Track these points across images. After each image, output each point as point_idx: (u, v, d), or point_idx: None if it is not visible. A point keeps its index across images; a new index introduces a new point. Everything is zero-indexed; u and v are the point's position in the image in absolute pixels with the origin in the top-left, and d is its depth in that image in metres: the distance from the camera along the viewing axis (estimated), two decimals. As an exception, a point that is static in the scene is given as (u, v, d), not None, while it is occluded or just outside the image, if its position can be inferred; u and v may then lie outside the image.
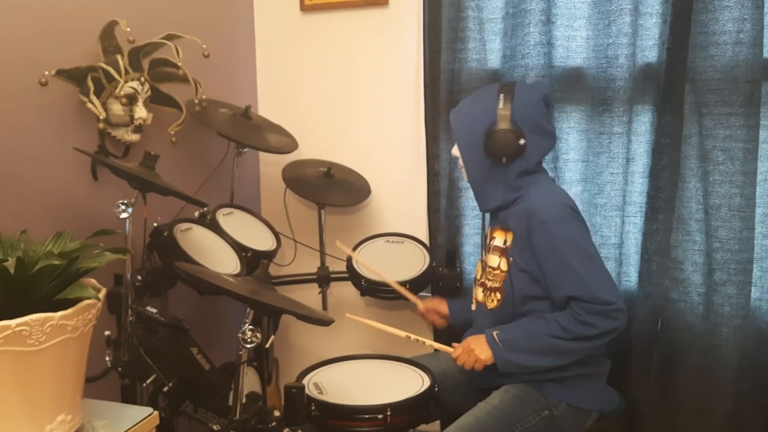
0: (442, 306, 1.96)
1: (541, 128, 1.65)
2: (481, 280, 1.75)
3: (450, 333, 2.03)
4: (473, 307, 1.81)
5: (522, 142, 1.60)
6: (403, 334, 1.71)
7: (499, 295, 1.65)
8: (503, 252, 1.67)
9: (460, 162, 1.72)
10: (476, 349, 1.61)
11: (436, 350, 2.06)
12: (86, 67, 1.66)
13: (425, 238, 2.21)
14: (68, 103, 1.66)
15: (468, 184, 2.08)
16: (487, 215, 1.81)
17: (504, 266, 1.66)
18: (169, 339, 1.54)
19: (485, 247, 1.77)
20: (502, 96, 1.62)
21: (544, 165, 1.94)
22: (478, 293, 1.76)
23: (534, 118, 1.64)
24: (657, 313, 1.88)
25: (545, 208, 1.58)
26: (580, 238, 1.58)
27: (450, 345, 1.69)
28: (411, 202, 2.26)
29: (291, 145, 2.18)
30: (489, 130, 1.61)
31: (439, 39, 2.05)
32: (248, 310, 1.46)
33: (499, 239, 1.68)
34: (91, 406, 1.29)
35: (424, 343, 1.72)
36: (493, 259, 1.69)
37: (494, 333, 1.60)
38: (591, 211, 1.96)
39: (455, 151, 1.73)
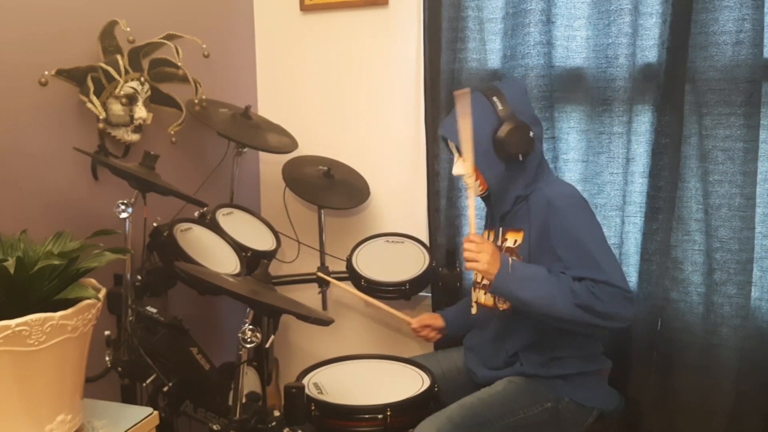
0: (436, 321, 1.95)
1: (535, 118, 1.69)
2: (483, 283, 1.74)
3: (449, 338, 2.03)
4: (474, 310, 1.80)
5: (531, 134, 1.62)
6: (379, 304, 1.70)
7: None
8: (512, 252, 1.66)
9: (466, 179, 1.67)
10: (486, 254, 1.56)
11: (436, 350, 2.07)
12: (86, 67, 1.66)
13: (425, 238, 2.21)
14: (68, 103, 1.66)
15: (468, 185, 2.09)
16: (482, 215, 1.81)
17: None
18: (169, 339, 1.54)
19: None
20: (495, 98, 1.62)
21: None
22: (480, 296, 1.76)
23: (528, 109, 1.67)
24: (657, 312, 1.88)
25: (561, 197, 1.60)
26: (594, 225, 1.61)
27: (448, 345, 1.69)
28: (411, 202, 2.26)
29: (291, 145, 2.18)
30: (497, 133, 1.60)
31: (439, 39, 2.05)
32: (248, 310, 1.46)
33: (510, 240, 1.68)
34: (91, 406, 1.29)
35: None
36: None
37: (511, 258, 1.58)
38: (591, 211, 1.96)
39: (458, 169, 1.69)
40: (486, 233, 1.81)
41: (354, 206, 2.26)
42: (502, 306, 1.67)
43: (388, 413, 1.58)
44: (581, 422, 1.66)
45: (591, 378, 1.67)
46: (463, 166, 1.66)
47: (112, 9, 1.74)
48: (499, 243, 1.73)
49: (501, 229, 1.73)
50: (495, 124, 1.61)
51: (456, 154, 1.71)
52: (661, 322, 1.88)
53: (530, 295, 1.53)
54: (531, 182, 1.65)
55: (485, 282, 1.72)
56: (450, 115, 1.71)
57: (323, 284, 2.18)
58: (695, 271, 1.82)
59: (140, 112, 1.72)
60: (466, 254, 1.58)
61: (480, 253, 1.56)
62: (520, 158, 1.62)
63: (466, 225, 2.12)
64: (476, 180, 1.67)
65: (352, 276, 2.06)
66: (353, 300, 2.29)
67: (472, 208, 1.67)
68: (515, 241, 1.66)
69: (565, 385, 1.63)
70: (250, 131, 2.07)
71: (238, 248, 1.86)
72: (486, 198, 1.75)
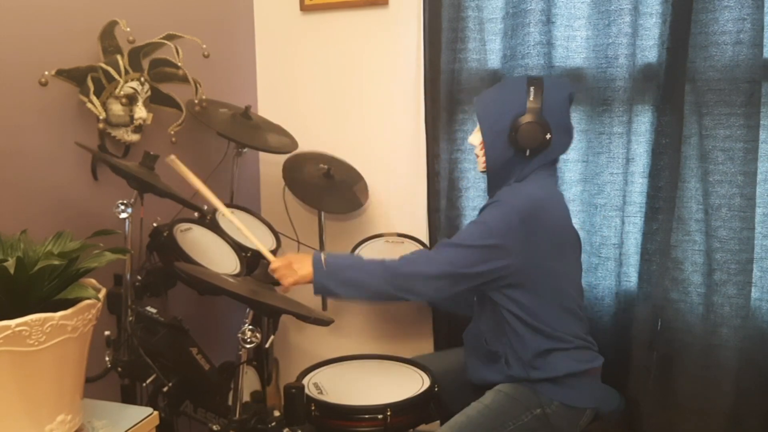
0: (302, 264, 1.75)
1: (565, 126, 1.66)
2: None
3: (449, 332, 2.03)
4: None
5: (548, 137, 1.61)
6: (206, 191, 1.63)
7: None
8: None
9: (477, 150, 1.70)
10: (295, 264, 1.61)
11: (436, 350, 2.07)
12: (86, 67, 1.66)
13: (425, 238, 2.21)
14: (68, 103, 1.66)
15: (468, 185, 2.09)
16: None
17: None
18: (169, 339, 1.54)
19: None
20: (532, 89, 1.61)
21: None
22: None
23: (561, 114, 1.65)
24: (657, 313, 1.88)
25: (513, 195, 1.61)
26: (497, 222, 1.58)
27: (448, 345, 1.68)
28: (411, 202, 2.26)
29: (291, 145, 2.18)
30: (517, 120, 1.61)
31: (439, 39, 2.05)
32: (248, 310, 1.46)
33: None
34: (91, 406, 1.29)
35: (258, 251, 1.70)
36: None
37: (323, 253, 1.62)
38: (591, 211, 1.96)
39: (473, 139, 1.72)
40: None
41: (354, 209, 2.26)
42: None
43: (388, 413, 1.58)
44: (574, 423, 1.65)
45: (579, 378, 1.65)
46: (476, 136, 1.71)
47: (112, 9, 1.74)
48: None
49: None
50: (518, 111, 1.61)
51: (477, 126, 1.71)
52: (661, 322, 1.88)
53: (344, 285, 1.58)
54: (522, 178, 1.64)
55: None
56: (491, 87, 1.78)
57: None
58: (695, 272, 1.82)
59: (140, 112, 1.72)
60: (277, 276, 1.63)
61: (288, 265, 1.61)
62: (527, 153, 1.62)
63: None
64: (484, 155, 1.69)
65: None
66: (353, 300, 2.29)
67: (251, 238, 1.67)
68: None
69: (553, 388, 1.62)
70: (250, 131, 2.07)
71: (238, 248, 1.86)
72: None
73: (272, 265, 1.63)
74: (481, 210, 1.64)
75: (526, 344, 1.62)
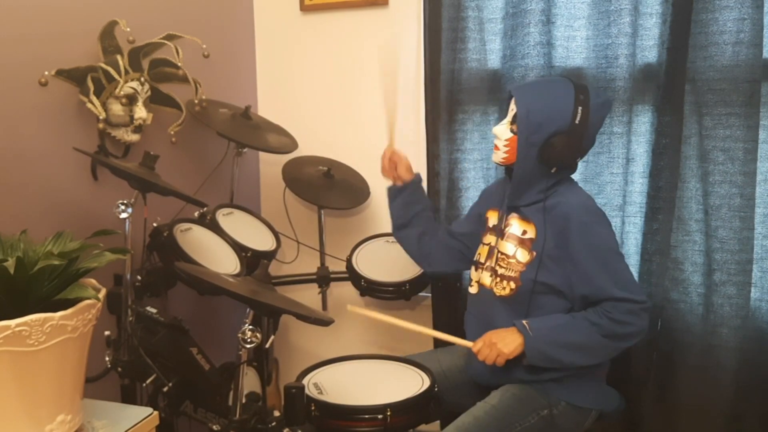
0: (405, 168, 1.88)
1: (592, 145, 1.67)
2: (489, 265, 1.71)
3: (449, 331, 2.02)
4: (473, 290, 1.76)
5: (579, 159, 1.63)
6: (405, 324, 1.67)
7: (513, 285, 1.62)
8: (523, 243, 1.64)
9: (500, 144, 1.64)
10: (499, 342, 1.57)
11: (435, 349, 2.06)
12: (86, 67, 1.66)
13: (425, 238, 2.20)
14: (68, 103, 1.66)
15: (468, 185, 2.09)
16: (492, 199, 1.80)
17: (523, 258, 1.63)
18: (169, 339, 1.54)
19: (496, 231, 1.73)
20: (580, 109, 1.55)
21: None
22: (484, 277, 1.72)
23: (595, 136, 1.64)
24: (657, 313, 1.88)
25: (585, 211, 1.60)
26: (614, 240, 1.62)
27: (448, 332, 1.67)
28: (411, 202, 2.25)
29: (291, 145, 2.18)
30: (555, 138, 1.56)
31: (439, 39, 2.05)
32: (248, 310, 1.46)
33: (517, 227, 1.66)
34: (91, 406, 1.29)
35: (438, 336, 1.70)
36: (509, 247, 1.66)
37: (524, 322, 1.58)
38: (591, 211, 1.96)
39: (501, 132, 1.65)
40: (493, 213, 1.77)
41: (354, 206, 2.26)
42: (500, 292, 1.66)
43: (388, 413, 1.58)
44: (579, 424, 1.65)
45: (586, 379, 1.66)
46: (504, 129, 1.64)
47: (112, 9, 1.74)
48: (501, 226, 1.70)
49: (506, 212, 1.70)
50: (560, 128, 1.56)
51: (509, 116, 1.65)
52: (661, 322, 1.88)
53: (561, 349, 1.55)
54: (547, 190, 1.63)
55: (494, 266, 1.68)
56: (536, 83, 1.74)
57: (323, 285, 2.18)
58: (695, 272, 1.82)
59: (140, 112, 1.72)
60: (481, 357, 1.60)
61: (491, 345, 1.58)
62: (553, 170, 1.61)
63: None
64: (507, 152, 1.64)
65: (352, 276, 2.06)
66: (353, 300, 2.29)
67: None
68: (524, 231, 1.64)
69: (560, 389, 1.62)
70: (250, 131, 2.07)
71: (238, 248, 1.86)
72: (507, 170, 1.72)
73: (474, 347, 1.62)
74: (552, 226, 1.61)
75: None
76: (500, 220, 1.72)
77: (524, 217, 1.65)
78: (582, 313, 1.57)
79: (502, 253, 1.67)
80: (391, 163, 1.89)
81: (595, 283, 1.55)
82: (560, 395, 1.62)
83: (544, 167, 1.60)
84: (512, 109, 1.64)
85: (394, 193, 1.90)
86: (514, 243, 1.65)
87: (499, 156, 1.67)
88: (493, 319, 1.67)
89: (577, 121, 1.55)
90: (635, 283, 1.59)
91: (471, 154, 2.07)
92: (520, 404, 1.61)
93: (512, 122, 1.63)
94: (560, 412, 1.62)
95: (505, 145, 1.64)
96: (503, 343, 1.57)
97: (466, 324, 1.79)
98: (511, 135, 1.62)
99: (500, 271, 1.66)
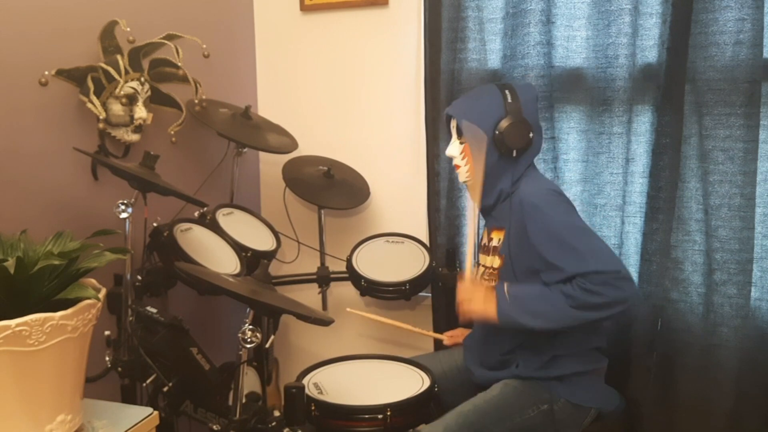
0: (466, 333, 1.94)
1: (539, 126, 1.70)
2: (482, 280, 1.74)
3: (451, 323, 2.03)
4: None
5: (531, 135, 1.64)
6: (403, 325, 1.74)
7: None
8: (495, 250, 1.69)
9: (458, 161, 1.70)
10: (485, 297, 1.59)
11: (436, 350, 2.07)
12: (86, 67, 1.66)
13: (425, 238, 2.20)
14: (68, 103, 1.66)
15: (456, 168, 2.08)
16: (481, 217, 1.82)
17: (496, 264, 1.67)
18: (169, 339, 1.54)
19: (481, 248, 1.78)
20: (507, 92, 1.64)
21: (544, 165, 1.96)
22: None
23: (535, 115, 1.68)
24: (657, 313, 1.88)
25: (535, 194, 1.61)
26: (570, 216, 1.60)
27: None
28: (411, 202, 2.26)
29: (291, 145, 2.18)
30: (500, 124, 1.62)
31: (439, 39, 2.05)
32: (248, 310, 1.46)
33: (496, 239, 1.70)
34: (91, 406, 1.29)
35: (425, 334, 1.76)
36: (489, 260, 1.71)
37: (505, 286, 1.59)
38: (591, 211, 1.96)
39: (452, 150, 1.72)
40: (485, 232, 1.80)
41: (354, 206, 2.26)
42: None
43: (388, 413, 1.58)
44: (579, 423, 1.66)
45: (587, 378, 1.66)
46: (455, 148, 1.71)
47: (112, 9, 1.74)
48: (486, 243, 1.74)
49: (486, 228, 1.76)
50: (500, 115, 1.63)
51: (454, 135, 1.72)
52: (661, 322, 1.88)
53: (532, 317, 1.55)
54: (516, 180, 1.66)
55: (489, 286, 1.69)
56: (462, 96, 1.79)
57: (323, 285, 2.18)
58: (695, 272, 1.82)
59: (140, 112, 1.72)
60: (460, 296, 1.63)
61: (473, 293, 1.61)
62: (514, 154, 1.63)
63: (466, 225, 2.12)
64: (467, 163, 1.69)
65: (352, 276, 2.06)
66: (353, 300, 2.29)
67: (471, 242, 1.71)
68: (499, 239, 1.68)
69: (561, 386, 1.63)
70: (250, 131, 2.07)
71: (238, 248, 1.86)
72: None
73: (469, 280, 1.65)
74: (509, 222, 1.64)
75: (542, 350, 1.63)
76: (487, 238, 1.75)
77: (498, 226, 1.70)
78: (557, 286, 1.54)
79: (486, 267, 1.72)
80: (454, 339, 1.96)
81: (559, 264, 1.53)
82: (560, 392, 1.62)
83: (505, 155, 1.64)
84: (453, 126, 1.73)
85: None
86: (492, 254, 1.70)
87: (463, 173, 1.72)
88: (486, 335, 1.72)
89: (509, 101, 1.63)
90: (605, 254, 1.54)
91: (471, 154, 2.08)
92: (520, 397, 1.62)
93: (459, 136, 1.70)
94: (560, 409, 1.62)
95: (462, 159, 1.70)
96: (484, 297, 1.59)
97: (465, 339, 1.85)
98: (463, 145, 1.69)
99: (486, 284, 1.70)
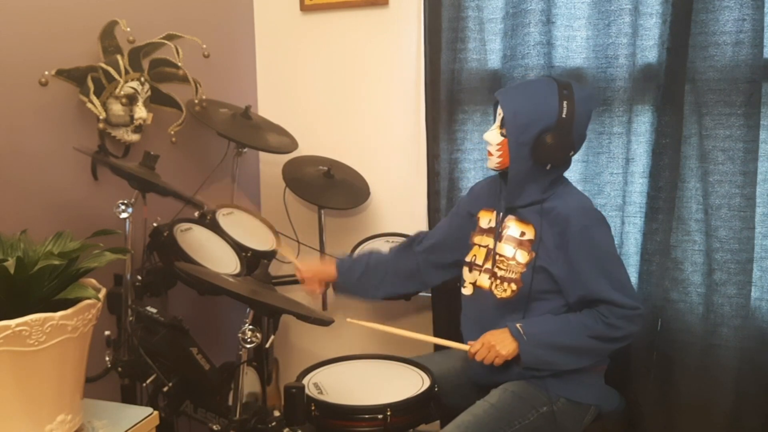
0: (327, 269, 1.84)
1: (583, 137, 1.66)
2: (487, 267, 1.71)
3: (449, 332, 2.02)
4: (467, 291, 1.76)
5: (571, 154, 1.63)
6: (408, 334, 1.68)
7: (514, 286, 1.63)
8: (522, 244, 1.64)
9: (493, 149, 1.65)
10: (497, 345, 1.59)
11: (435, 350, 2.07)
12: (86, 67, 1.66)
13: (425, 238, 2.20)
14: (68, 103, 1.66)
15: (468, 185, 2.08)
16: (484, 199, 1.80)
17: (522, 258, 1.63)
18: (169, 339, 1.54)
19: (492, 233, 1.72)
20: (565, 103, 1.56)
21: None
22: (482, 279, 1.71)
23: (584, 130, 1.64)
24: (657, 313, 1.88)
25: (584, 214, 1.61)
26: (612, 244, 1.64)
27: (448, 331, 1.68)
28: (411, 202, 2.26)
29: (291, 145, 2.18)
30: (544, 135, 1.57)
31: (439, 39, 2.05)
32: (248, 310, 1.46)
33: (515, 229, 1.66)
34: (91, 406, 1.29)
35: (436, 342, 1.73)
36: (507, 249, 1.67)
37: (518, 325, 1.59)
38: (591, 211, 1.96)
39: (491, 137, 1.65)
40: (486, 213, 1.77)
41: (354, 206, 2.26)
42: (501, 294, 1.66)
43: (388, 413, 1.58)
44: (579, 421, 1.66)
45: (586, 375, 1.66)
46: (494, 135, 1.65)
47: (112, 9, 1.74)
48: (499, 228, 1.70)
49: (503, 214, 1.70)
50: (548, 125, 1.57)
51: (498, 122, 1.66)
52: (661, 322, 1.88)
53: (554, 352, 1.58)
54: (546, 190, 1.64)
55: (492, 268, 1.68)
56: (518, 85, 1.74)
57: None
58: (695, 272, 1.82)
59: (140, 112, 1.72)
60: (479, 358, 1.62)
61: (490, 347, 1.60)
62: (548, 167, 1.61)
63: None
64: (500, 156, 1.65)
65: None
66: (353, 300, 2.29)
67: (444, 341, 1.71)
68: (522, 233, 1.65)
69: (559, 384, 1.63)
70: (250, 131, 2.07)
71: (238, 248, 1.86)
72: (501, 174, 1.73)
73: (471, 350, 1.64)
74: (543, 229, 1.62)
75: None
76: (497, 222, 1.72)
77: (522, 219, 1.66)
78: (577, 316, 1.60)
79: (501, 255, 1.67)
80: (308, 282, 1.85)
81: (592, 286, 1.58)
82: (559, 391, 1.62)
83: (538, 166, 1.61)
84: (499, 113, 1.65)
85: (340, 290, 1.89)
86: (512, 245, 1.66)
87: (493, 162, 1.69)
88: (491, 321, 1.68)
89: (563, 116, 1.56)
90: (632, 289, 1.62)
91: (471, 154, 2.08)
92: (520, 402, 1.61)
93: (501, 126, 1.64)
94: (560, 408, 1.62)
95: (497, 150, 1.66)
96: (501, 345, 1.59)
97: (462, 326, 1.80)
98: (502, 139, 1.64)
99: (500, 273, 1.66)
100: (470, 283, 1.75)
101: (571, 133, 1.58)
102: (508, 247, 1.67)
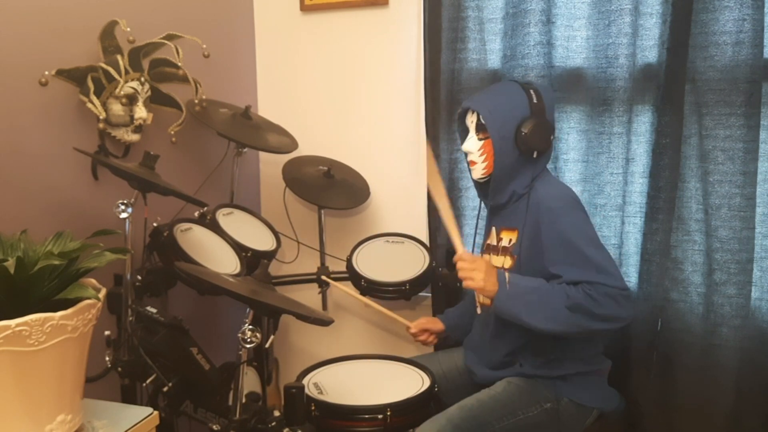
0: (434, 325, 1.95)
1: (554, 127, 1.70)
2: None
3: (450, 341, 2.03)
4: (478, 311, 1.78)
5: (552, 137, 1.65)
6: (379, 307, 1.82)
7: None
8: (506, 250, 1.67)
9: (476, 157, 1.68)
10: (481, 273, 1.56)
11: (436, 350, 2.07)
12: (86, 67, 1.66)
13: (425, 238, 2.20)
14: (68, 103, 1.66)
15: (468, 185, 2.09)
16: (483, 215, 1.81)
17: (508, 265, 1.66)
18: (169, 339, 1.54)
19: (489, 249, 1.77)
20: (532, 92, 1.64)
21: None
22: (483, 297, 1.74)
23: (553, 116, 1.69)
24: (657, 313, 1.88)
25: (554, 198, 1.61)
26: (586, 225, 1.62)
27: (448, 345, 1.69)
28: (411, 202, 2.26)
29: (291, 145, 2.18)
30: (524, 123, 1.61)
31: (439, 39, 2.05)
32: (248, 310, 1.46)
33: (506, 240, 1.69)
34: (91, 406, 1.29)
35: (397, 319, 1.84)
36: (500, 260, 1.70)
37: (506, 274, 1.58)
38: (591, 211, 1.95)
39: (470, 146, 1.69)
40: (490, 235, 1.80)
41: (354, 206, 2.26)
42: None
43: (388, 413, 1.58)
44: (581, 422, 1.66)
45: (590, 378, 1.67)
46: (473, 143, 1.68)
47: (112, 9, 1.74)
48: (494, 243, 1.73)
49: (495, 227, 1.74)
50: (525, 114, 1.62)
51: (472, 130, 1.69)
52: (661, 322, 1.88)
53: (528, 311, 1.54)
54: (529, 183, 1.66)
55: (482, 300, 1.69)
56: (483, 91, 1.77)
57: (323, 285, 2.18)
58: (695, 272, 1.82)
59: (140, 112, 1.72)
60: (460, 273, 1.59)
61: (474, 271, 1.57)
62: (534, 155, 1.63)
63: (466, 225, 2.12)
64: (485, 160, 1.67)
65: (352, 276, 2.06)
66: (353, 300, 2.29)
67: (453, 227, 1.67)
68: (510, 240, 1.67)
69: (565, 386, 1.63)
70: (250, 131, 2.07)
71: (238, 248, 1.86)
72: (483, 185, 1.75)
73: (465, 254, 1.61)
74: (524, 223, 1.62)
75: (545, 352, 1.64)
76: (496, 238, 1.74)
77: (509, 227, 1.68)
78: (562, 285, 1.55)
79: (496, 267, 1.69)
80: (422, 334, 1.95)
81: (563, 270, 1.54)
82: (564, 392, 1.63)
83: (525, 156, 1.63)
84: (471, 121, 1.69)
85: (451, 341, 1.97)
86: (503, 254, 1.69)
87: (479, 169, 1.69)
88: (490, 335, 1.71)
89: (535, 101, 1.62)
90: (617, 272, 1.56)
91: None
92: (524, 395, 1.62)
93: (477, 131, 1.68)
94: (564, 408, 1.62)
95: (480, 155, 1.68)
96: (485, 276, 1.56)
97: (465, 341, 1.85)
98: (482, 143, 1.66)
99: (487, 258, 1.68)
100: (479, 303, 1.76)
101: (545, 115, 1.63)
102: (500, 258, 1.71)
